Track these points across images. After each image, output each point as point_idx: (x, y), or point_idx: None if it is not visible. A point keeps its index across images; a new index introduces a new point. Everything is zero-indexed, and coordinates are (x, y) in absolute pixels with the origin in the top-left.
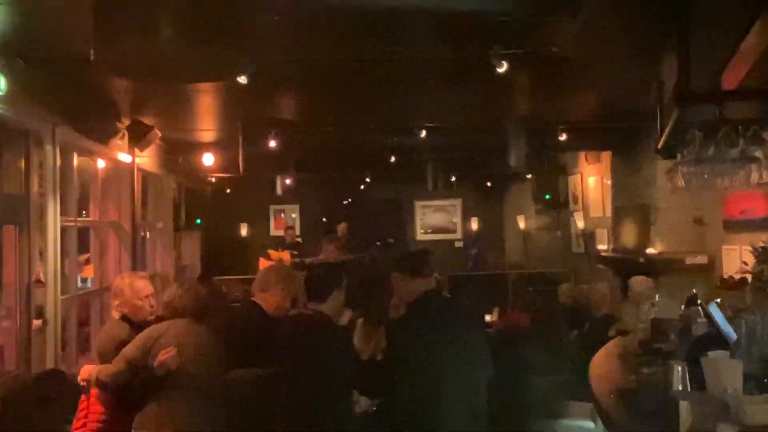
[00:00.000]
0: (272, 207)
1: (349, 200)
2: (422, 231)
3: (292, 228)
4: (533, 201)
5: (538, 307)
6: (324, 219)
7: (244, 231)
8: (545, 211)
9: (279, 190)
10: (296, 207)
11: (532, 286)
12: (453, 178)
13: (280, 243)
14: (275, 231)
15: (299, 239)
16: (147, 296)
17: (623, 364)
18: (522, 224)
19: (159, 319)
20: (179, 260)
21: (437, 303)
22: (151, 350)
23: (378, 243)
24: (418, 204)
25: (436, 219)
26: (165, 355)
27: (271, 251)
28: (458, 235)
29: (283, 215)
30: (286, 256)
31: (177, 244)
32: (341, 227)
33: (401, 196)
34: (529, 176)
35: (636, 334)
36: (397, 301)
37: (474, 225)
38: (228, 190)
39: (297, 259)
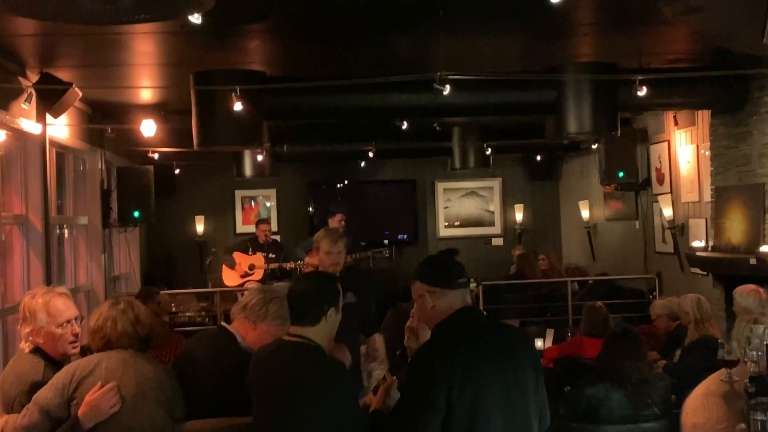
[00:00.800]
0: (239, 193)
1: (345, 183)
2: (446, 224)
3: (266, 222)
4: (601, 181)
5: (612, 329)
6: (310, 209)
7: (200, 227)
8: (618, 196)
9: (248, 170)
10: (272, 192)
11: (602, 298)
12: (489, 151)
13: (251, 243)
14: (243, 226)
15: (277, 237)
16: (69, 321)
17: (728, 408)
18: (586, 213)
19: (85, 352)
20: (111, 269)
21: (476, 326)
22: (75, 394)
23: (386, 242)
24: (440, 186)
25: (465, 207)
26: (95, 398)
27: (237, 254)
28: (496, 228)
29: (254, 204)
30: (258, 260)
31: (108, 247)
32: (335, 220)
33: (417, 175)
34: (595, 146)
35: (745, 366)
36: (414, 324)
37: (518, 215)
38: (177, 171)
39: (275, 265)
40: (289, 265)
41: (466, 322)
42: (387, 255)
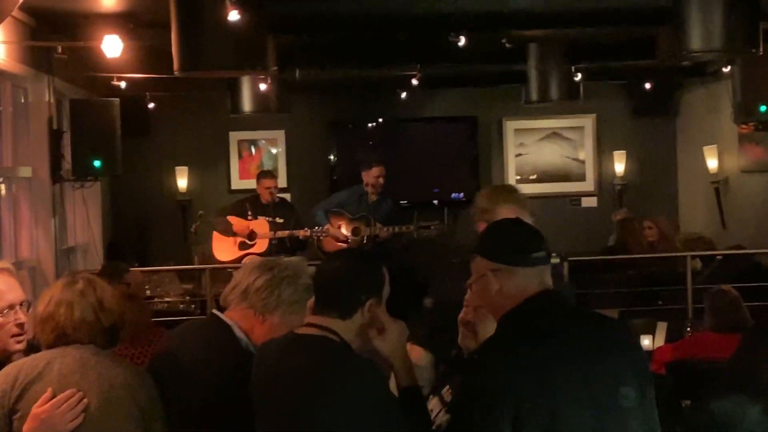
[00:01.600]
0: (235, 136)
1: (380, 121)
2: (519, 177)
3: (272, 176)
4: (735, 118)
5: (749, 323)
6: (332, 158)
7: (182, 182)
8: (759, 139)
9: (247, 105)
10: (279, 135)
11: (734, 281)
12: (578, 77)
13: (251, 203)
14: (241, 181)
15: (286, 196)
16: (11, 306)
17: None
18: (713, 163)
19: (32, 349)
20: (64, 238)
21: (558, 317)
22: (18, 406)
23: (437, 202)
24: (510, 126)
25: (545, 154)
26: (45, 411)
27: (233, 219)
28: (588, 184)
29: (255, 151)
30: (261, 226)
31: (59, 208)
32: (371, 175)
33: (479, 111)
34: (727, 70)
35: None
36: (470, 316)
37: (618, 165)
38: (152, 105)
39: (283, 233)
40: (303, 233)
41: (543, 312)
42: (436, 231)
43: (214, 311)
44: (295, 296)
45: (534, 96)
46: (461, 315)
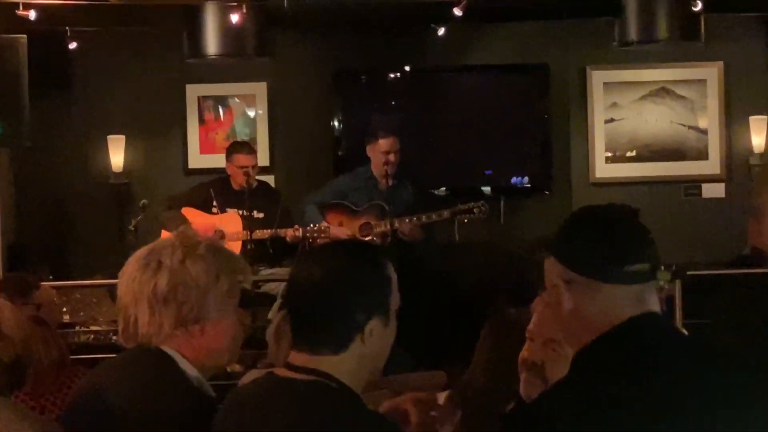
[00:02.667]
0: (194, 91)
1: (406, 71)
2: (609, 154)
3: (248, 149)
4: None
5: None
6: (335, 123)
7: (117, 157)
8: None
9: (211, 45)
10: (259, 90)
11: None
12: (698, 6)
13: (216, 189)
14: (202, 157)
15: (268, 179)
16: None
17: None
18: None
19: None
20: None
21: (662, 354)
22: None
23: (486, 190)
24: (598, 78)
25: (649, 120)
26: None
27: (191, 212)
28: (711, 164)
29: (223, 113)
30: (231, 222)
31: None
32: (377, 149)
33: (552, 57)
34: None
35: None
36: (536, 353)
37: (755, 138)
38: (74, 45)
39: (263, 233)
40: (292, 234)
41: (640, 346)
42: (483, 214)
43: (160, 345)
44: (213, 270)
45: (633, 34)
46: (522, 353)
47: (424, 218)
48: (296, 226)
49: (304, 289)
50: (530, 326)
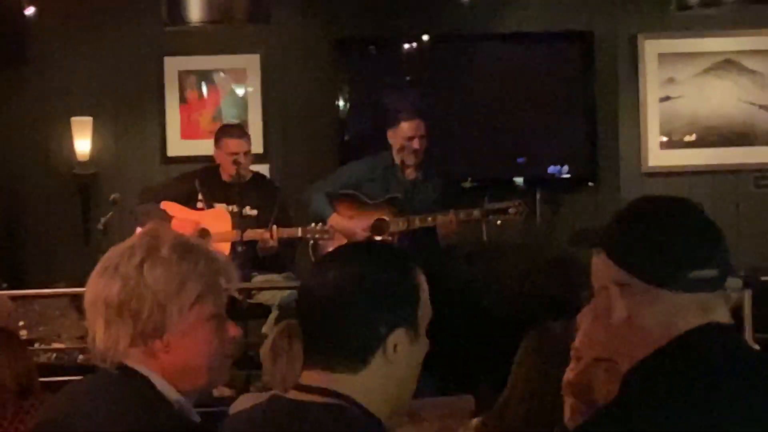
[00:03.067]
0: (173, 64)
1: (423, 40)
2: (665, 139)
3: (239, 132)
4: None
5: None
6: (340, 103)
7: (83, 143)
8: None
9: (194, 11)
10: (251, 63)
11: None
12: None
13: (201, 181)
14: (184, 142)
15: (263, 168)
16: None
17: None
18: None
19: None
20: None
21: (731, 374)
22: None
23: (519, 181)
24: (651, 48)
25: (712, 99)
26: None
27: (172, 207)
28: None
29: (207, 90)
30: (219, 220)
31: None
32: (400, 134)
33: (597, 23)
34: None
35: None
36: (582, 376)
37: None
38: (31, 11)
39: (257, 234)
40: (291, 233)
41: (702, 363)
42: (519, 215)
43: (125, 362)
44: (176, 276)
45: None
46: (567, 375)
47: (451, 218)
48: (298, 227)
49: (317, 294)
50: (576, 343)
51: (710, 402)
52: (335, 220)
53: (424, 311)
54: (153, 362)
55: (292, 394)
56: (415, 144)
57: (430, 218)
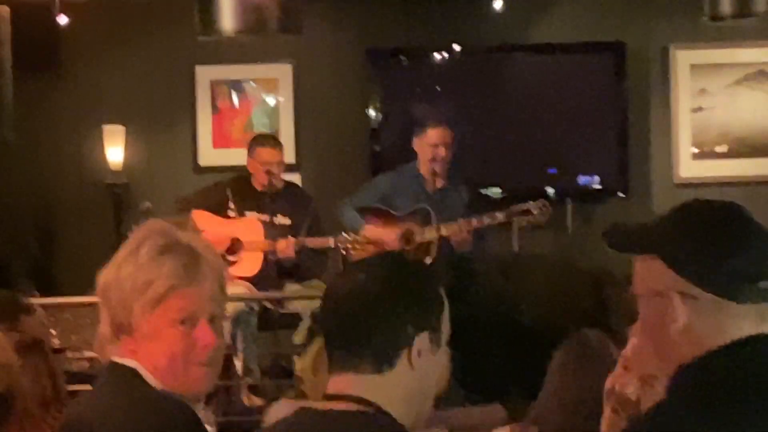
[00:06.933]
0: (205, 73)
1: (454, 50)
2: (696, 150)
3: (272, 143)
4: None
5: None
6: (371, 112)
7: (116, 151)
8: None
9: (227, 20)
10: (284, 73)
11: None
12: None
13: (235, 191)
14: (216, 151)
15: (294, 177)
16: None
17: None
18: None
19: None
20: None
21: None
22: None
23: (552, 191)
24: (683, 59)
25: (745, 111)
26: None
27: (203, 215)
28: None
29: (238, 100)
30: (251, 229)
31: None
32: (426, 141)
33: (628, 34)
34: None
35: None
36: (632, 387)
37: None
38: (64, 20)
39: (287, 244)
40: (323, 243)
41: (756, 369)
42: (544, 215)
43: (114, 358)
44: (145, 274)
45: (726, 6)
46: (609, 384)
47: (474, 222)
48: (329, 237)
49: (345, 295)
50: (627, 352)
51: (759, 411)
52: (368, 231)
53: (446, 324)
54: (134, 356)
55: (320, 405)
56: (440, 152)
57: (456, 226)
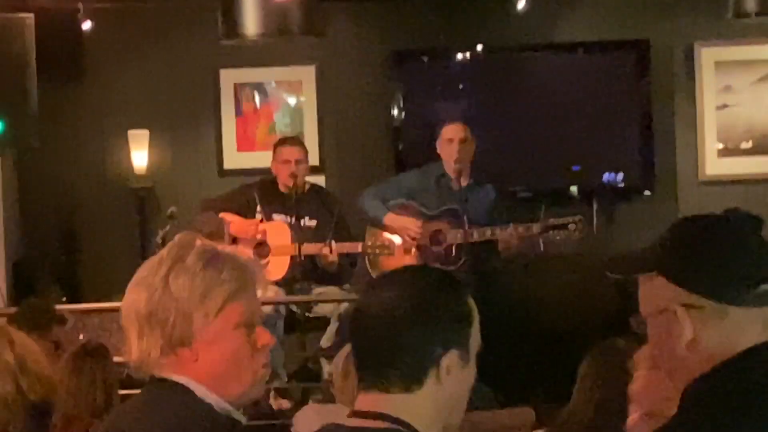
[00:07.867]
0: (229, 77)
1: (477, 50)
2: (721, 146)
3: (296, 144)
4: None
5: None
6: (395, 111)
7: (140, 156)
8: None
9: (250, 24)
10: (307, 75)
11: None
12: None
13: (261, 193)
14: (240, 155)
15: (319, 179)
16: None
17: None
18: None
19: None
20: None
21: None
22: None
23: (576, 190)
24: (708, 56)
25: None
26: None
27: (229, 217)
28: None
29: (260, 102)
30: (278, 233)
31: None
32: (445, 138)
33: (652, 32)
34: None
35: None
36: (649, 395)
37: None
38: (88, 26)
39: (315, 248)
40: (353, 247)
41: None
42: (579, 232)
43: (162, 374)
44: (199, 286)
45: (751, 3)
46: (631, 389)
47: (510, 232)
48: (357, 243)
49: (374, 313)
50: (637, 355)
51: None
52: (390, 218)
53: (475, 338)
54: (185, 371)
55: (349, 422)
56: (460, 149)
57: (489, 232)
